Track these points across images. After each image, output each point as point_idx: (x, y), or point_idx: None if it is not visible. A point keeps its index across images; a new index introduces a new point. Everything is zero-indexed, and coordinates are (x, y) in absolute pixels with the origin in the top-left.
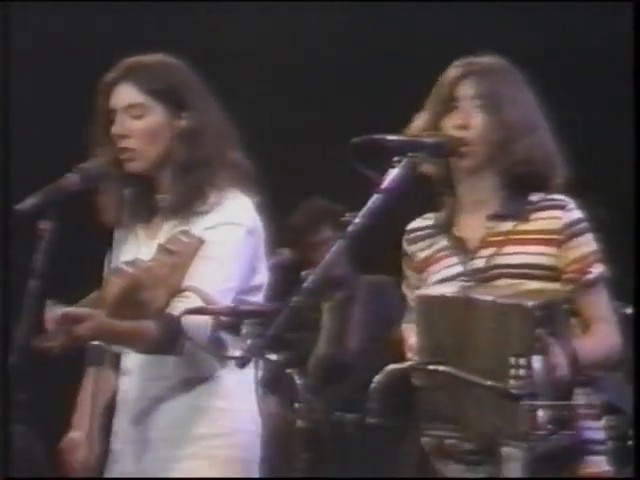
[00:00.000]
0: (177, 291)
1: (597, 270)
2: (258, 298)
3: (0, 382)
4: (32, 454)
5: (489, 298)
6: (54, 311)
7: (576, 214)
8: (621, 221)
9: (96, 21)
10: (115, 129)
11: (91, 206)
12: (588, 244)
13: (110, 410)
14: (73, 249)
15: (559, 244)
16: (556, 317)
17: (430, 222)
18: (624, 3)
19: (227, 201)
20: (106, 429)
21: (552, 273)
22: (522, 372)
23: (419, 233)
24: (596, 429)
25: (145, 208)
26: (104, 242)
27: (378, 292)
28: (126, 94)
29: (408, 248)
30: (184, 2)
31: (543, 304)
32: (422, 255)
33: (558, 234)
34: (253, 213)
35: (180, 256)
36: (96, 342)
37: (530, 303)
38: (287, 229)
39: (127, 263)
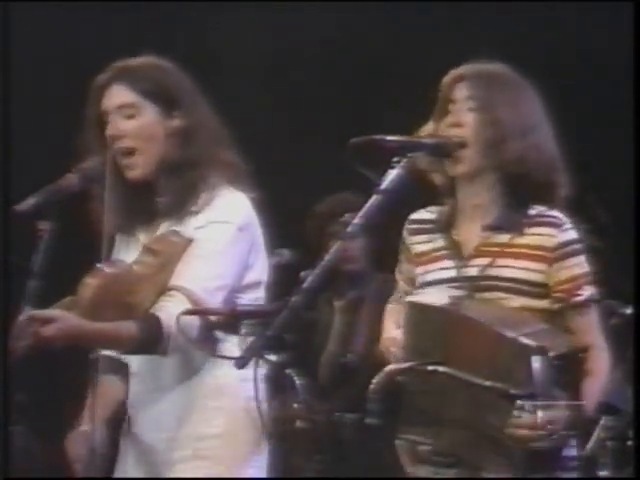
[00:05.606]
0: (165, 290)
1: (587, 292)
2: (254, 295)
3: (0, 382)
4: (32, 454)
5: (511, 334)
6: (24, 313)
7: (571, 234)
8: (621, 222)
9: (96, 21)
10: (109, 130)
11: (90, 207)
12: (580, 265)
13: (117, 417)
14: (73, 249)
15: (551, 262)
16: (571, 368)
17: (433, 216)
18: (624, 3)
19: (217, 199)
20: (111, 435)
21: (541, 290)
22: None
23: (420, 226)
24: (570, 446)
25: (144, 212)
26: (103, 243)
27: (389, 291)
28: (118, 95)
29: (407, 238)
30: (184, 3)
31: (563, 355)
32: (419, 249)
33: (551, 252)
34: (246, 209)
35: (166, 256)
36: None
37: (552, 353)
38: (312, 217)
39: (104, 264)
